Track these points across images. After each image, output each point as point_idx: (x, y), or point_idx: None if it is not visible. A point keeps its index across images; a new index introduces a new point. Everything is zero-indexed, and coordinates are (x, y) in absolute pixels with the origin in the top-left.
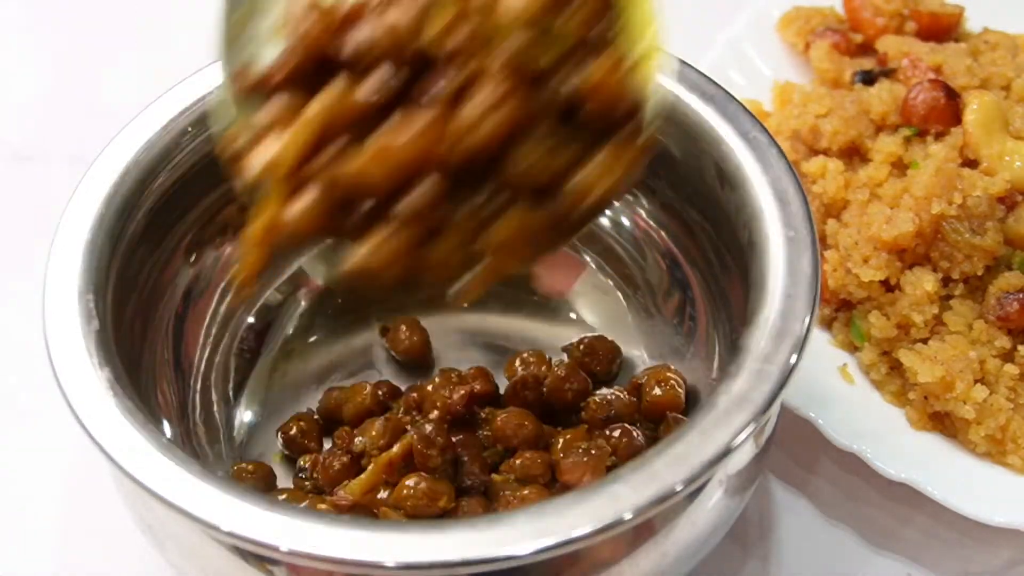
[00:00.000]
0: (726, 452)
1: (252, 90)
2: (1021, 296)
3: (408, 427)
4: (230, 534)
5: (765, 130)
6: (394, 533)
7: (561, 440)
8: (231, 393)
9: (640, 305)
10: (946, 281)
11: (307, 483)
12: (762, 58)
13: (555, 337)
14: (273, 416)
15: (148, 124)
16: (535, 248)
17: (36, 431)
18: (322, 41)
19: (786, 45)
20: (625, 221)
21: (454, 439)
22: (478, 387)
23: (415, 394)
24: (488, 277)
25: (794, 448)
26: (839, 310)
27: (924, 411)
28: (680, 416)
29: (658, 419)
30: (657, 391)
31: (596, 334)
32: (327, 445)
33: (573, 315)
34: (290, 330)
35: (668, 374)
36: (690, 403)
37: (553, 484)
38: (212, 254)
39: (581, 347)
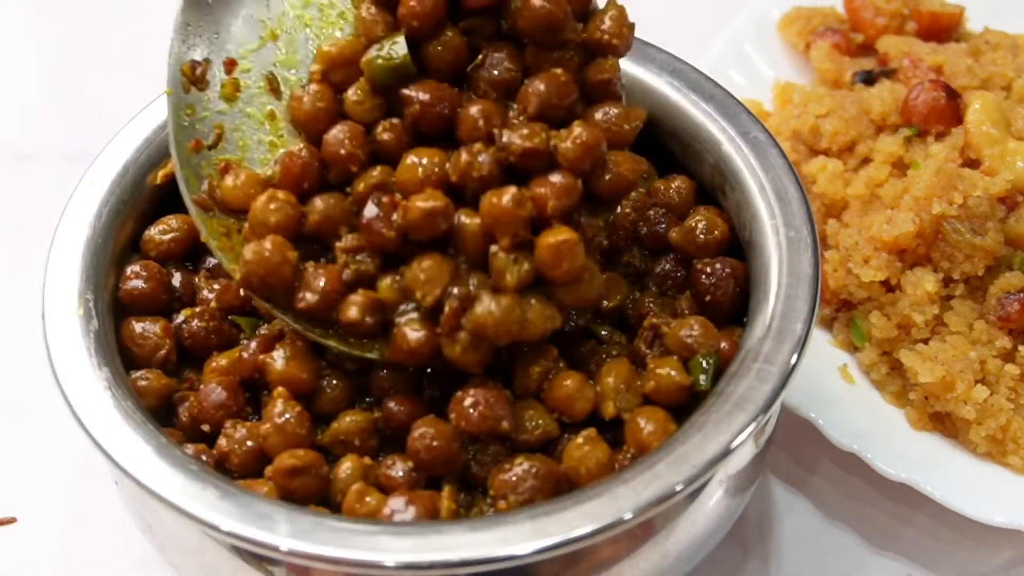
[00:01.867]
0: (726, 452)
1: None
2: (1022, 296)
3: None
4: (230, 534)
5: (765, 130)
6: (394, 533)
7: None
8: None
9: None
10: (947, 281)
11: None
12: (762, 58)
13: None
14: None
15: (147, 124)
16: None
17: (36, 431)
18: None
19: (787, 45)
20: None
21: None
22: None
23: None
24: None
25: (794, 448)
26: (839, 310)
27: (924, 411)
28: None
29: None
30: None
31: None
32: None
33: None
34: None
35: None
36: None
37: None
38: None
39: None
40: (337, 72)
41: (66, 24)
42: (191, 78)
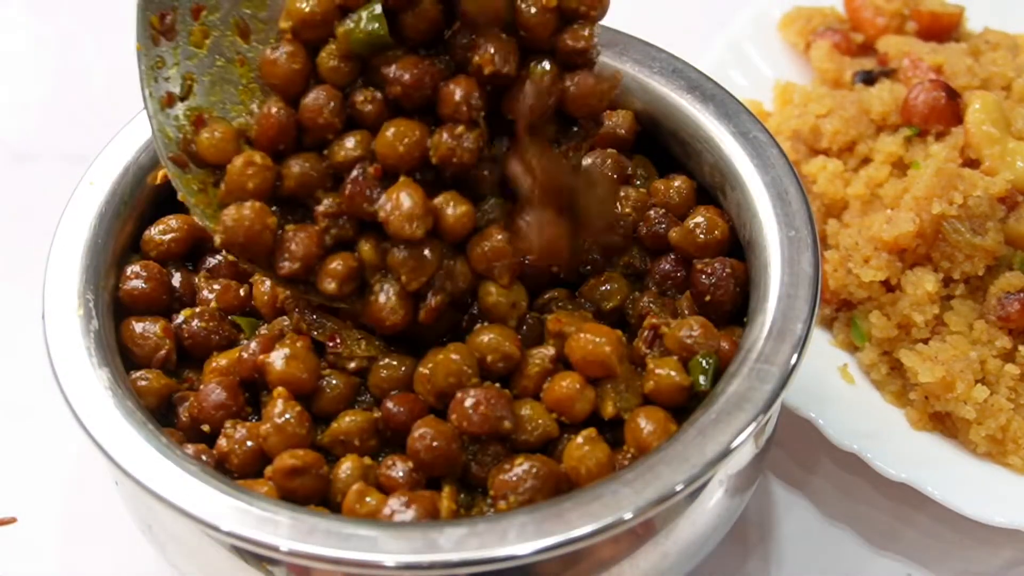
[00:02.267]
0: (726, 452)
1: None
2: (1022, 296)
3: None
4: (230, 534)
5: (765, 130)
6: (394, 533)
7: None
8: None
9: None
10: (947, 281)
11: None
12: (763, 58)
13: None
14: None
15: (147, 124)
16: None
17: (36, 431)
18: None
19: (787, 45)
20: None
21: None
22: None
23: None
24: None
25: (794, 448)
26: (840, 310)
27: (925, 411)
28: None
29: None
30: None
31: None
32: None
33: None
34: None
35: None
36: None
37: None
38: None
39: None
40: (308, 30)
41: (66, 24)
42: (160, 29)
